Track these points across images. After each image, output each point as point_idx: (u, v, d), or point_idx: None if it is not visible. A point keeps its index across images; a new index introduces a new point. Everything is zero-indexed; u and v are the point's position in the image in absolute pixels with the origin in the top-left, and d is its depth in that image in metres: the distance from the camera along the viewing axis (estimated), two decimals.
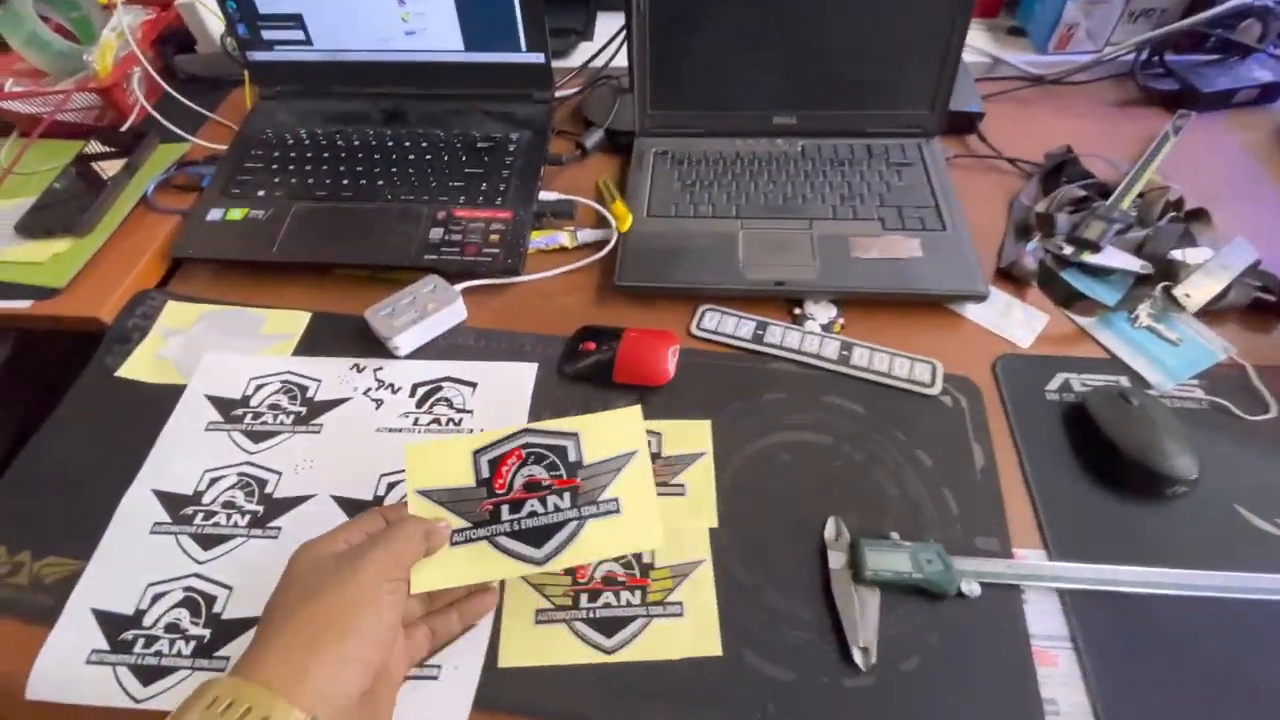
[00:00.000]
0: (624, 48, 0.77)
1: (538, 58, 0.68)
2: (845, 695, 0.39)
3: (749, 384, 0.53)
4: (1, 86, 0.76)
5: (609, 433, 0.43)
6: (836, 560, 0.43)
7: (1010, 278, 0.59)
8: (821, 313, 0.56)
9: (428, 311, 0.56)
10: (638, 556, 0.44)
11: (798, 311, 0.57)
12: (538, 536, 0.39)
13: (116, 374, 0.56)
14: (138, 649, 0.42)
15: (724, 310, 0.57)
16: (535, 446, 0.43)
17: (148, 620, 0.43)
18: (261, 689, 0.29)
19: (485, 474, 0.42)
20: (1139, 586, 0.41)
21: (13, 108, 0.74)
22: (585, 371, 0.54)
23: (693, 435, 0.50)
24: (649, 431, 0.50)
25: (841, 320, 0.56)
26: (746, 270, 0.57)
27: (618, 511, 0.40)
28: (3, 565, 0.46)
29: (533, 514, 0.40)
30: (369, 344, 0.56)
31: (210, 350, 0.57)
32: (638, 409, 0.43)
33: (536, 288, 0.61)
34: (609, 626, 0.41)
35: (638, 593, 0.43)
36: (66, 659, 0.42)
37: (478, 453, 0.43)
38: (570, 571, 0.44)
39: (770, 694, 0.39)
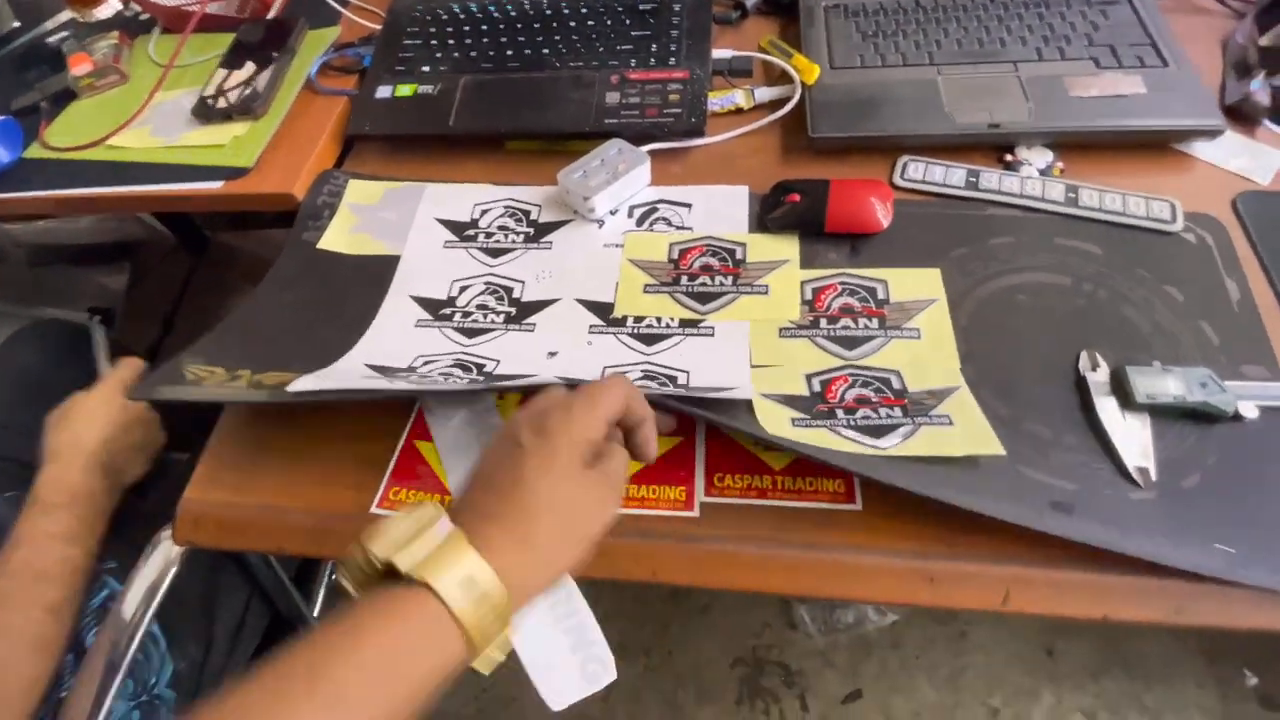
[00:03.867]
0: None
1: None
2: (1131, 505, 0.38)
3: (970, 230, 0.50)
4: None
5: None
6: (1099, 389, 0.42)
7: (1237, 115, 0.55)
8: (1037, 157, 0.53)
9: (619, 173, 0.55)
10: (886, 381, 0.44)
11: (1009, 158, 0.54)
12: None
13: (319, 246, 0.57)
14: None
15: (929, 160, 0.54)
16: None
17: (421, 370, 0.47)
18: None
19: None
20: None
21: (156, 1, 0.74)
22: (792, 222, 0.52)
23: (922, 282, 0.49)
24: (873, 278, 0.49)
25: (1060, 165, 0.53)
26: (955, 115, 0.54)
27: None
28: (220, 377, 0.46)
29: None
30: None
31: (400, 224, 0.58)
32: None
33: (719, 149, 0.59)
34: (874, 432, 0.41)
35: (897, 409, 0.43)
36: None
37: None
38: (817, 394, 0.44)
39: (1058, 497, 0.38)
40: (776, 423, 0.42)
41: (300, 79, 0.66)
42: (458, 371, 0.47)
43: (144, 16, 0.81)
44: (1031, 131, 0.53)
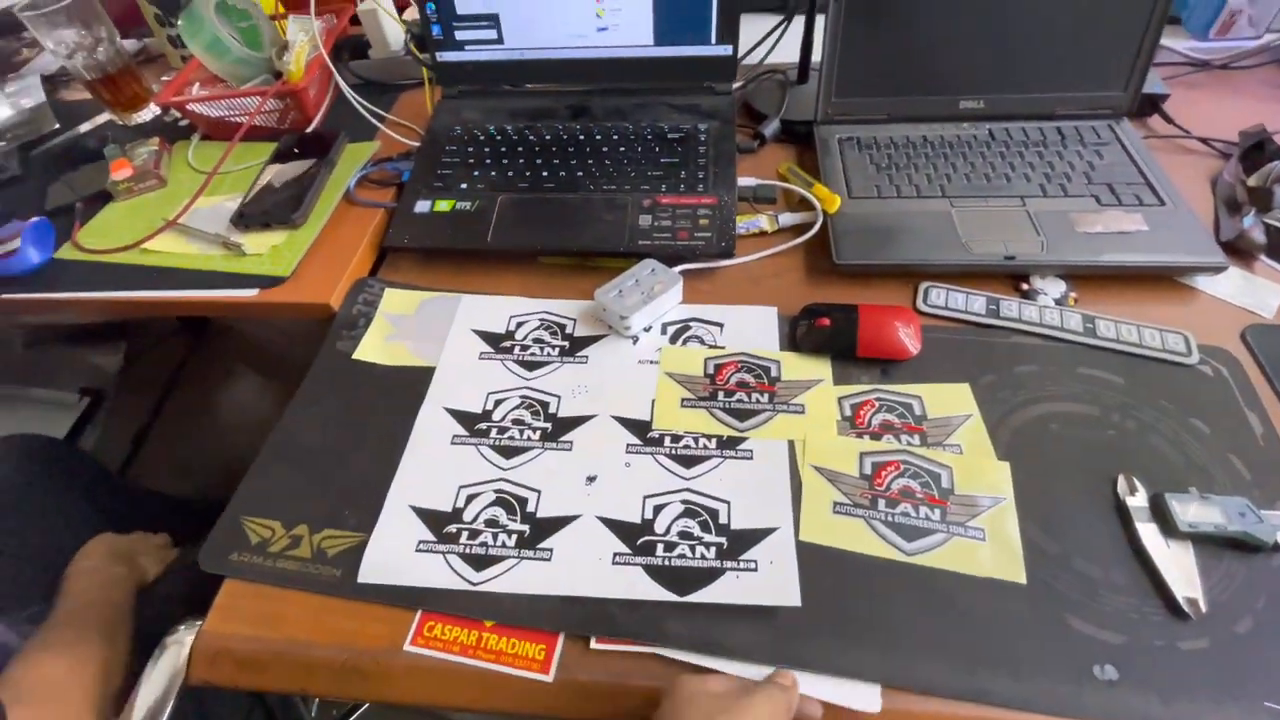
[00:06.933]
0: (779, 42, 0.79)
1: (725, 50, 0.70)
2: (1182, 658, 0.38)
3: (995, 356, 0.52)
4: (187, 92, 0.80)
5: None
6: (1139, 515, 0.42)
7: (1234, 251, 0.58)
8: (1051, 287, 0.56)
9: (653, 293, 0.57)
10: (935, 478, 0.46)
11: (1025, 287, 0.57)
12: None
13: (354, 356, 0.57)
14: (463, 540, 0.46)
15: (949, 287, 0.57)
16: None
17: (469, 515, 0.47)
18: None
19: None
20: None
21: (199, 110, 0.77)
22: (824, 345, 0.54)
23: (954, 398, 0.50)
24: (907, 394, 0.51)
25: (1074, 294, 0.56)
26: (971, 245, 0.57)
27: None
28: (282, 540, 0.47)
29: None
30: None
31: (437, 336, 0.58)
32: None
33: (747, 270, 0.61)
34: (907, 532, 0.44)
35: (937, 511, 0.45)
36: (395, 549, 0.46)
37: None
38: (867, 476, 0.47)
39: (1103, 656, 0.38)
40: (817, 507, 0.45)
41: (339, 191, 0.69)
42: (502, 514, 0.47)
43: (183, 123, 0.84)
44: (1045, 264, 0.56)
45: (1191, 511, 0.41)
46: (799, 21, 0.75)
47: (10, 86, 0.96)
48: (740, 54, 0.74)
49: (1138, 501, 0.43)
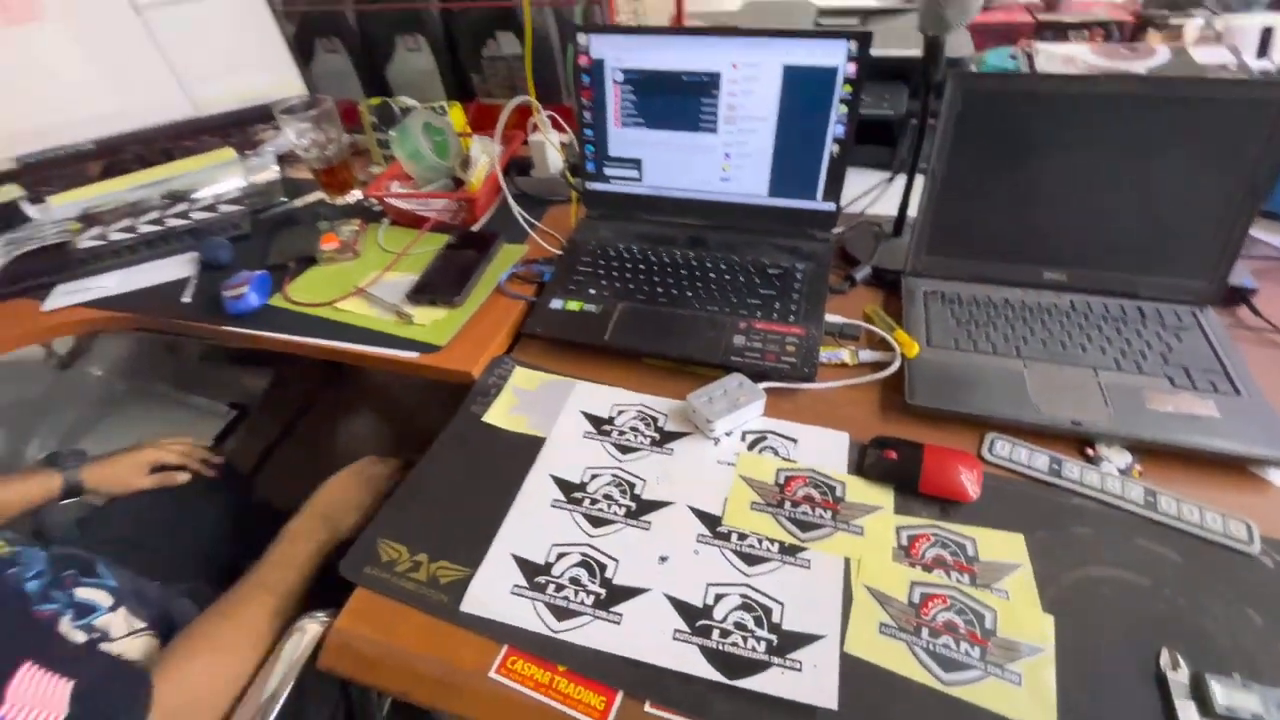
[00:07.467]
0: (880, 198, 0.89)
1: (829, 206, 0.81)
2: None
3: (1052, 513, 0.56)
4: (388, 187, 1.00)
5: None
6: (1179, 691, 0.44)
7: None
8: (1117, 457, 0.60)
9: (738, 403, 0.66)
10: (979, 618, 0.50)
11: (1090, 452, 0.60)
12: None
13: (483, 419, 0.69)
14: (550, 591, 0.54)
15: (1014, 440, 0.62)
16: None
17: (557, 570, 0.56)
18: None
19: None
20: None
21: (394, 202, 0.97)
22: (889, 475, 0.60)
23: (1006, 546, 0.54)
24: (962, 535, 0.55)
25: (1139, 467, 0.59)
26: (1040, 405, 0.62)
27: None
28: (406, 563, 0.57)
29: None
30: None
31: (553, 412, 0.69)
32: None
33: (824, 395, 0.69)
34: (946, 663, 0.48)
35: (977, 649, 0.48)
36: (494, 588, 0.55)
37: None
38: (915, 604, 0.51)
39: None
40: (864, 624, 0.50)
41: (493, 282, 0.84)
42: (584, 575, 0.55)
43: (377, 208, 1.05)
44: (1111, 434, 0.60)
45: (1232, 696, 0.43)
46: (900, 178, 0.86)
47: (251, 160, 1.22)
48: (842, 206, 0.85)
49: (1179, 677, 0.45)
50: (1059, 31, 1.29)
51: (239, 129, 1.23)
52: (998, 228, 0.75)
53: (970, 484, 0.57)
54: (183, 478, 0.85)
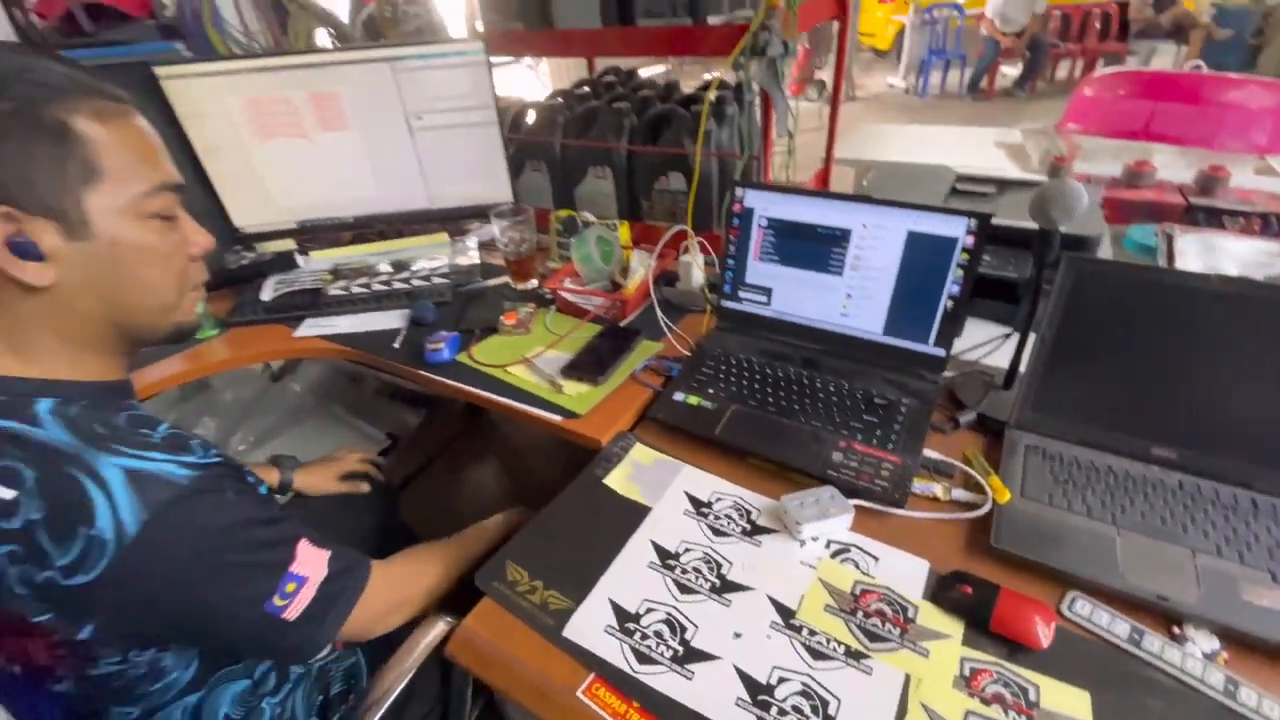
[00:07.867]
0: (996, 351, 0.95)
1: (939, 352, 0.89)
2: None
3: (1124, 680, 0.57)
4: (562, 282, 1.22)
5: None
6: None
7: None
8: (1203, 640, 0.60)
9: (828, 513, 0.73)
10: None
11: (1176, 630, 0.61)
12: None
13: (604, 481, 0.82)
14: (636, 637, 0.64)
15: (1095, 602, 0.64)
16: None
17: (644, 621, 0.65)
18: None
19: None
20: None
21: (564, 295, 1.18)
22: (962, 608, 0.64)
23: (1070, 700, 0.56)
24: (1027, 679, 0.58)
25: (1225, 655, 0.59)
26: (1127, 574, 0.64)
27: None
28: (525, 585, 0.70)
29: None
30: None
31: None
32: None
33: (911, 522, 0.75)
34: None
35: None
36: (591, 623, 0.65)
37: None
38: None
39: None
40: None
41: (630, 370, 1.00)
42: (666, 632, 0.64)
43: (549, 296, 1.27)
44: (1199, 617, 0.61)
45: None
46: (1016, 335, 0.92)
47: (459, 245, 1.52)
48: (955, 353, 0.92)
49: None
50: (1211, 215, 1.30)
51: (454, 221, 1.54)
52: (1107, 397, 0.78)
53: (1043, 632, 0.60)
54: (365, 488, 1.06)
